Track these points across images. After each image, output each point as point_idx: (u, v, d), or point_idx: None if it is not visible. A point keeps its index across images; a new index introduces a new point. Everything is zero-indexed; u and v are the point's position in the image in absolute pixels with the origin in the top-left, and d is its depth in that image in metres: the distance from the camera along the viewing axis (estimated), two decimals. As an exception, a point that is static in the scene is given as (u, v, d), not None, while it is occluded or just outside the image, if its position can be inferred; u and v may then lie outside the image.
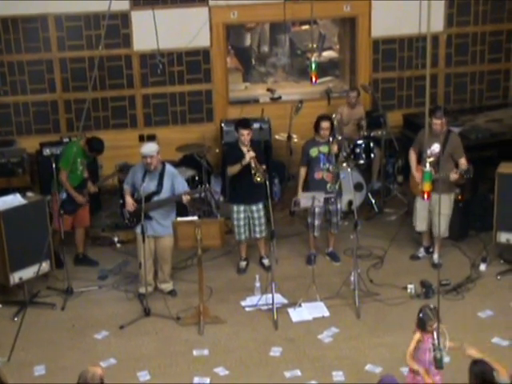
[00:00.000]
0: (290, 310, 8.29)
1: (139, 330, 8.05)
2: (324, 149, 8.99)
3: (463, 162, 8.76)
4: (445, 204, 8.74)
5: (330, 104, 11.26)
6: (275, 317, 8.09)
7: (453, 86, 12.07)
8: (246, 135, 8.68)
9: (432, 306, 6.18)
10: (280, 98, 11.80)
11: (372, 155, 10.67)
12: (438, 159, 8.34)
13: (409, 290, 8.50)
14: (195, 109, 11.53)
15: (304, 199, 8.71)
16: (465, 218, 9.64)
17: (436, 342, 5.58)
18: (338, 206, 9.14)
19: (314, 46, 12.86)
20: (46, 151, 10.41)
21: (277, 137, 11.07)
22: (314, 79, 7.73)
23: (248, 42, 13.85)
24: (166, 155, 9.31)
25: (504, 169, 8.81)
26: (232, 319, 8.20)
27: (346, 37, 12.24)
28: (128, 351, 7.71)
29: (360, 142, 10.56)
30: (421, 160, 8.73)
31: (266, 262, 9.17)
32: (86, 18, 10.88)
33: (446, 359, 5.69)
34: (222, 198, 10.65)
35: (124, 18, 11.00)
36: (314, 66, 7.66)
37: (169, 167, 8.43)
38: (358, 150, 10.53)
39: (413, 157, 9.05)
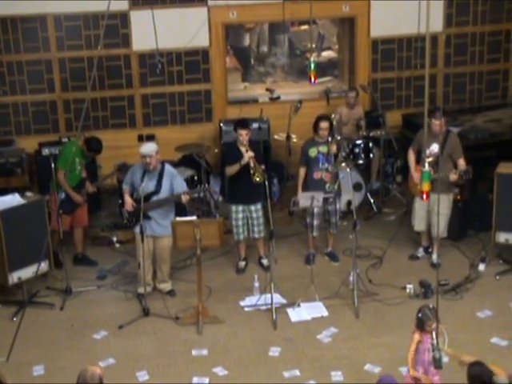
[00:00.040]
0: (289, 310, 8.29)
1: (138, 329, 8.05)
2: (323, 149, 8.99)
3: (462, 162, 8.76)
4: (444, 204, 8.75)
5: (329, 104, 11.26)
6: (274, 317, 8.09)
7: (452, 86, 12.08)
8: (244, 135, 8.69)
9: (431, 306, 6.18)
10: (279, 97, 11.80)
11: (371, 155, 10.67)
12: (437, 159, 8.34)
13: (408, 290, 8.50)
14: (194, 109, 11.53)
15: (303, 199, 8.71)
16: (464, 218, 9.64)
17: (435, 342, 5.59)
18: (337, 206, 9.15)
19: (313, 46, 12.87)
20: (45, 151, 10.40)
21: (276, 137, 11.07)
22: (313, 79, 7.73)
23: (247, 41, 13.85)
24: (165, 155, 9.31)
25: (503, 169, 8.81)
26: (231, 319, 8.20)
27: (345, 37, 12.24)
28: (127, 351, 7.70)
29: (359, 142, 10.57)
30: (420, 160, 8.73)
31: (264, 261, 9.17)
32: (85, 17, 10.88)
33: (445, 359, 5.71)
34: (221, 198, 10.65)
35: (123, 18, 11.00)
36: (313, 66, 7.65)
37: (168, 167, 8.43)
38: (357, 150, 10.54)
39: (412, 157, 9.05)
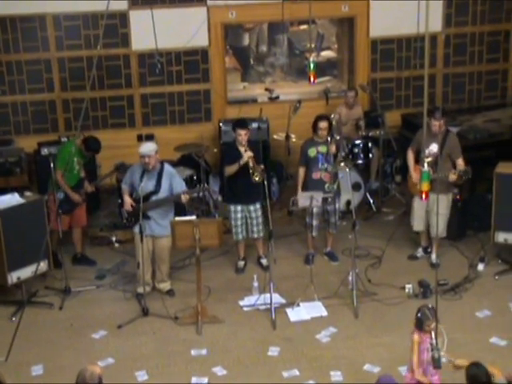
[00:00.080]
0: (288, 310, 8.29)
1: (137, 329, 8.05)
2: (322, 149, 8.99)
3: (460, 162, 8.77)
4: (443, 204, 8.75)
5: (329, 104, 11.26)
6: (273, 316, 8.09)
7: (451, 86, 12.08)
8: (243, 135, 8.69)
9: (430, 305, 6.18)
10: (278, 97, 11.81)
11: (370, 155, 10.68)
12: (436, 159, 8.34)
13: (407, 290, 8.50)
14: (193, 108, 11.53)
15: (302, 199, 8.71)
16: (463, 217, 9.64)
17: (434, 341, 5.59)
18: (337, 206, 9.15)
19: (313, 45, 12.87)
20: (44, 151, 10.39)
21: (275, 136, 11.07)
22: (312, 79, 7.72)
23: (246, 41, 13.85)
24: (165, 155, 9.30)
25: (502, 169, 8.81)
26: (230, 319, 8.19)
27: (344, 37, 12.25)
28: (126, 351, 7.70)
29: (358, 141, 10.57)
30: (419, 159, 8.73)
31: (264, 261, 9.17)
32: (85, 17, 10.88)
33: (444, 359, 5.70)
34: (220, 198, 10.65)
35: (122, 18, 10.99)
36: (312, 65, 7.64)
37: (167, 167, 8.43)
38: (356, 150, 10.55)
39: (411, 156, 9.06)
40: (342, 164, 9.17)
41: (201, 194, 10.10)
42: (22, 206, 8.18)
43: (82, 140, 9.26)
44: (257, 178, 8.54)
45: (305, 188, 9.01)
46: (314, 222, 9.10)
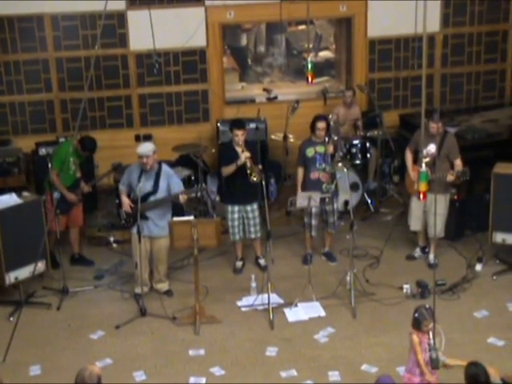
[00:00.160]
0: (286, 310, 8.29)
1: (135, 329, 8.04)
2: (320, 149, 8.99)
3: (458, 162, 8.78)
4: (440, 204, 8.75)
5: (326, 104, 11.28)
6: (271, 317, 8.09)
7: (449, 86, 12.08)
8: (240, 135, 8.68)
9: (428, 306, 6.17)
10: (276, 97, 11.81)
11: (368, 155, 10.67)
12: (434, 160, 8.34)
13: (405, 290, 8.50)
14: (191, 109, 11.53)
15: (300, 199, 8.71)
16: (461, 218, 9.65)
17: (432, 342, 5.59)
18: (335, 206, 9.15)
19: (310, 46, 12.84)
20: (42, 151, 10.40)
21: (273, 137, 11.07)
22: (310, 79, 7.72)
23: (244, 41, 13.85)
24: (163, 155, 9.29)
25: (500, 169, 8.82)
26: (228, 319, 8.19)
27: (342, 37, 12.25)
28: (124, 351, 7.70)
29: (356, 142, 10.57)
30: (417, 159, 8.73)
31: (262, 261, 9.16)
32: (82, 17, 10.87)
33: (442, 359, 5.70)
34: (218, 198, 10.64)
35: (120, 18, 10.98)
36: (310, 66, 7.64)
37: (165, 167, 8.42)
38: (354, 150, 10.54)
39: (409, 156, 9.06)
40: (340, 164, 9.15)
41: (199, 194, 10.08)
42: (19, 206, 8.17)
43: (78, 140, 9.25)
44: (254, 179, 8.54)
45: (303, 188, 9.01)
46: (313, 222, 9.10)
